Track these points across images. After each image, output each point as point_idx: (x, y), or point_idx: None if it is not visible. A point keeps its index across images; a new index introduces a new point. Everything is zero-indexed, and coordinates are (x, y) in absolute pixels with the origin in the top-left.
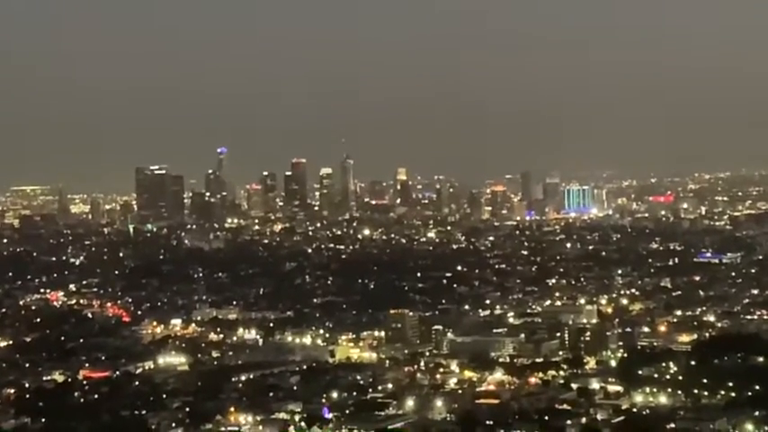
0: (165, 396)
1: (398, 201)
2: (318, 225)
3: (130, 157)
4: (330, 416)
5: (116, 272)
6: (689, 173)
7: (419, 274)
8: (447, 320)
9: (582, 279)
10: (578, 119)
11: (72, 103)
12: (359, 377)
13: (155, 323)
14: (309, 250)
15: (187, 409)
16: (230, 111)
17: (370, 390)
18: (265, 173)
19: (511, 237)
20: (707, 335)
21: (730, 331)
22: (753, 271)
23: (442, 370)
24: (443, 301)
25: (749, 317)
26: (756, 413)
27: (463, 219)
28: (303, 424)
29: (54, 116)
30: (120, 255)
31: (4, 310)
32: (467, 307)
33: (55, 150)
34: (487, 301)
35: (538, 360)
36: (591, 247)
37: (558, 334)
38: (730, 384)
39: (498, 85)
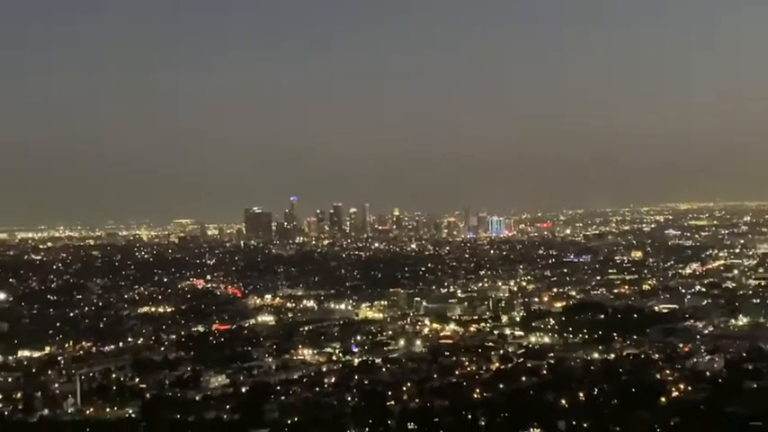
0: (261, 339)
1: (394, 227)
2: (348, 241)
3: (241, 200)
4: (356, 349)
5: (233, 268)
6: (560, 209)
7: (406, 269)
8: (422, 295)
9: (499, 271)
10: (498, 175)
11: (200, 159)
12: (372, 328)
13: (255, 298)
14: (344, 255)
15: (274, 347)
16: (297, 170)
17: (379, 335)
18: (318, 211)
19: (459, 247)
20: (571, 303)
21: (584, 300)
22: (596, 266)
23: (419, 323)
24: (420, 284)
25: (594, 292)
26: (600, 347)
27: (431, 237)
28: (341, 355)
29: (192, 170)
30: (236, 258)
31: (169, 290)
32: (434, 287)
33: (195, 196)
34: (445, 284)
35: (474, 317)
36: (504, 253)
37: (486, 302)
38: (585, 331)
39: (448, 148)
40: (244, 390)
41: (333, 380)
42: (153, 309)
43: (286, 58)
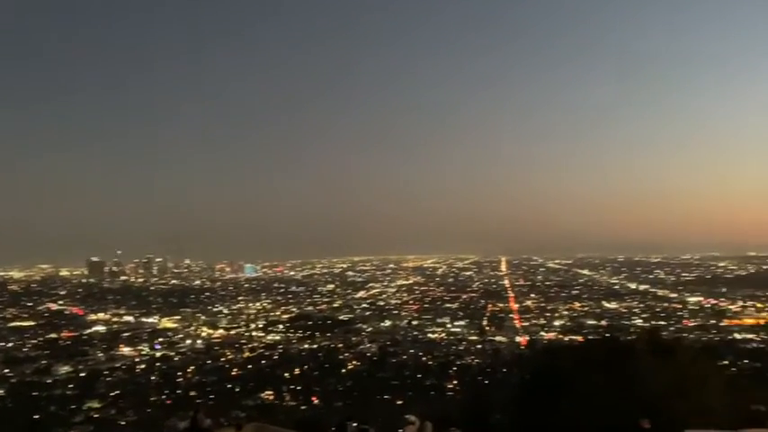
0: (95, 341)
1: (186, 270)
2: (155, 279)
3: (85, 252)
4: (158, 347)
5: (77, 297)
6: (287, 258)
7: (192, 296)
8: (202, 312)
9: (249, 297)
10: (250, 234)
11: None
12: (170, 333)
13: (92, 315)
14: (152, 288)
15: (104, 346)
16: (123, 230)
17: (174, 337)
18: (136, 260)
19: (225, 283)
20: (293, 314)
21: (300, 313)
22: (307, 293)
23: (199, 329)
24: (201, 305)
25: (307, 308)
26: (308, 341)
27: (209, 277)
28: (148, 350)
29: (57, 227)
30: (79, 290)
31: (32, 311)
32: (209, 307)
33: (51, 246)
34: (216, 305)
35: (234, 325)
36: (253, 287)
37: (242, 316)
38: (300, 331)
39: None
40: (82, 375)
41: (143, 366)
42: (20, 323)
43: None
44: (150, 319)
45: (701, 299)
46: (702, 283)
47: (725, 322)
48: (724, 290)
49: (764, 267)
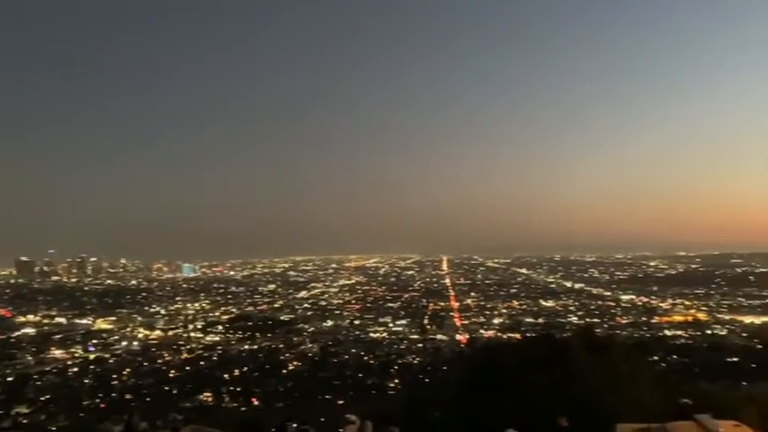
0: (24, 344)
1: (121, 269)
2: (89, 279)
3: (12, 250)
4: (92, 349)
5: (5, 298)
6: (227, 258)
7: (128, 297)
8: (138, 312)
9: (188, 297)
10: (188, 237)
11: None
12: (105, 335)
13: (21, 317)
14: (86, 288)
15: (33, 349)
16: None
17: (108, 339)
18: (69, 259)
19: (162, 283)
20: (232, 315)
21: (240, 314)
22: (248, 293)
23: (135, 331)
24: (137, 306)
25: (247, 309)
26: (249, 342)
27: (146, 276)
28: (82, 352)
29: None
30: (7, 291)
31: None
32: (145, 308)
33: None
34: (153, 305)
35: (172, 326)
36: (191, 287)
37: (180, 316)
38: (240, 332)
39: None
40: (10, 379)
41: (76, 369)
42: None
43: None
44: (84, 321)
45: (634, 297)
46: (635, 281)
47: (655, 319)
48: (655, 288)
49: (692, 266)
